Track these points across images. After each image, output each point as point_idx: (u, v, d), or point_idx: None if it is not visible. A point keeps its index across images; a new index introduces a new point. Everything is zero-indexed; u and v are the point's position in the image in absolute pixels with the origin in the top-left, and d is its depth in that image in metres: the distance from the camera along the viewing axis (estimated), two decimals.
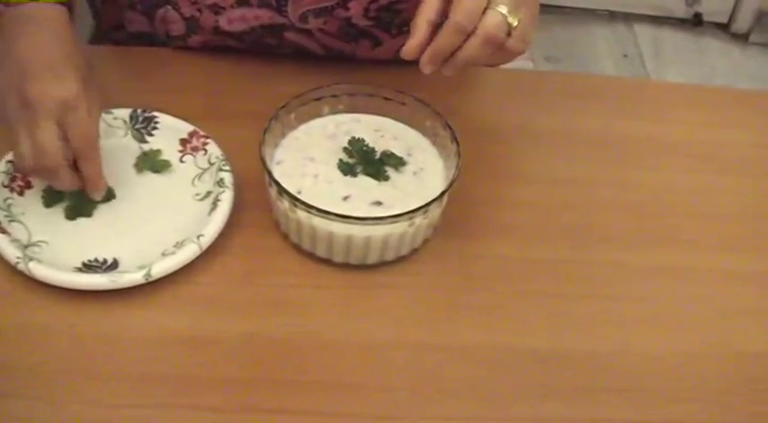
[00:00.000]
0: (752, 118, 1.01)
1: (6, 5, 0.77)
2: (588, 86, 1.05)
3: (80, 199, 0.80)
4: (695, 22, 2.58)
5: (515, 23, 0.73)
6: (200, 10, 0.92)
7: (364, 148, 0.81)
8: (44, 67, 0.74)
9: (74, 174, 0.76)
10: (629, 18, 2.60)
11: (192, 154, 0.85)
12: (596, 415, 0.72)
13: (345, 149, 0.82)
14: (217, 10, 0.91)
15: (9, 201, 0.79)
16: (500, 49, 0.75)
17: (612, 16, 2.61)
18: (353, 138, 0.82)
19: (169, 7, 0.93)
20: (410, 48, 0.74)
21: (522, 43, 0.75)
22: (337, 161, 0.81)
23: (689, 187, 0.92)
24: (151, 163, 0.84)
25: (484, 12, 0.72)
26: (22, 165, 0.75)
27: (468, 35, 0.73)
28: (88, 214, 0.80)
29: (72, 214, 0.80)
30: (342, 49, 0.96)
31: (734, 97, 1.07)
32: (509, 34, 0.73)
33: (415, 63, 0.75)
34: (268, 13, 0.91)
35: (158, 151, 0.84)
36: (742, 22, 2.56)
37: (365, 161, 0.81)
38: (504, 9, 0.72)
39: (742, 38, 2.58)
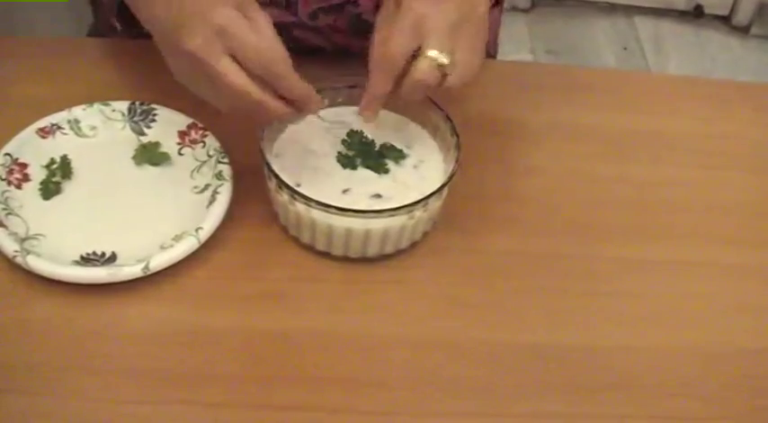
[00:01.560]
0: (753, 111, 1.01)
1: None
2: (589, 79, 1.05)
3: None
4: (696, 15, 2.58)
5: (448, 62, 0.73)
6: None
7: (363, 140, 0.81)
8: (190, 12, 0.67)
9: (278, 100, 0.70)
10: (629, 11, 2.59)
11: (190, 146, 0.84)
12: (596, 411, 0.72)
13: (344, 141, 0.81)
14: None
15: (6, 194, 0.79)
16: (440, 88, 0.75)
17: (613, 9, 2.60)
18: (352, 130, 0.82)
19: None
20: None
21: (462, 79, 0.75)
22: (336, 154, 0.81)
23: (690, 181, 0.91)
24: (149, 155, 0.83)
25: (416, 57, 0.73)
26: (229, 111, 0.71)
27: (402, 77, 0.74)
28: (57, 191, 0.80)
29: (47, 194, 0.80)
30: (350, 46, 0.96)
31: (735, 90, 1.07)
32: (445, 75, 0.74)
33: None
34: (277, 11, 0.90)
35: (157, 143, 0.84)
36: (743, 15, 2.55)
37: (364, 153, 0.80)
38: (434, 53, 0.73)
39: (743, 30, 2.57)
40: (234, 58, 0.68)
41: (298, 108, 0.73)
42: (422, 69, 0.73)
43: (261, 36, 0.68)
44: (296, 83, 0.70)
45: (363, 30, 0.93)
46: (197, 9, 0.67)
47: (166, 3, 0.70)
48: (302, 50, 0.95)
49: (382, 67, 0.75)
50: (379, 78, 0.75)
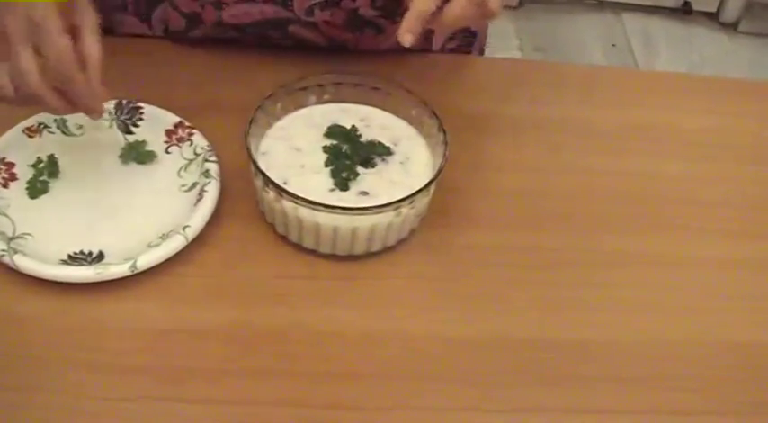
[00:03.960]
0: (741, 106, 1.01)
1: None
2: (577, 76, 1.05)
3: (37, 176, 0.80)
4: (684, 11, 2.58)
5: None
6: (202, 6, 0.91)
7: (342, 131, 0.81)
8: None
9: (61, 98, 0.73)
10: (617, 7, 2.60)
11: (177, 145, 0.84)
12: (591, 405, 0.72)
13: (326, 135, 0.82)
14: (220, 6, 0.90)
15: None
16: (481, 9, 0.73)
17: (601, 6, 2.61)
18: (333, 124, 0.82)
19: (167, 5, 0.92)
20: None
21: (500, 3, 0.74)
22: (322, 147, 0.81)
23: (677, 175, 0.92)
24: (136, 154, 0.83)
25: None
26: (3, 96, 0.73)
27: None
28: (44, 190, 0.80)
29: (34, 193, 0.80)
30: (345, 41, 0.96)
31: (723, 86, 1.07)
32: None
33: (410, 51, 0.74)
34: (273, 7, 0.90)
35: (143, 142, 0.84)
36: (731, 11, 2.56)
37: (347, 141, 0.81)
38: None
39: (731, 27, 2.58)
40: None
41: (79, 109, 0.74)
42: None
43: (64, 39, 0.70)
44: (83, 89, 0.72)
45: (359, 25, 0.93)
46: None
47: None
48: (297, 47, 0.96)
49: None
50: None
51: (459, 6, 0.72)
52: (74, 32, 0.72)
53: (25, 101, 0.73)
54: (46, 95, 0.72)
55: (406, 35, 0.73)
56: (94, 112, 0.75)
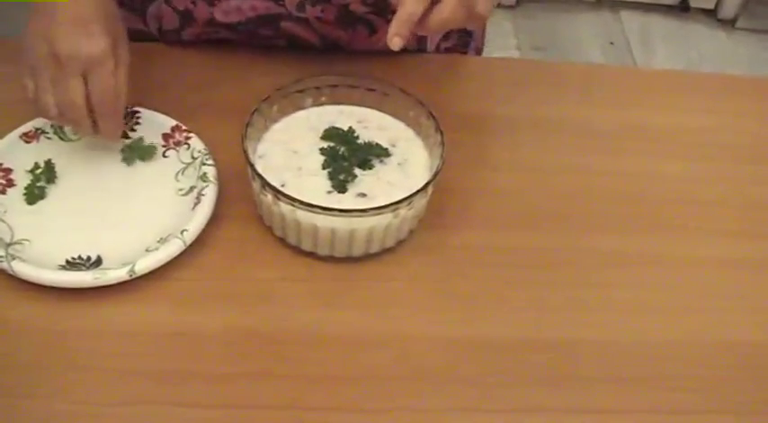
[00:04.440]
0: (739, 103, 1.01)
1: None
2: (575, 75, 1.05)
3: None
4: (682, 9, 2.58)
5: None
6: (194, 2, 0.91)
7: (339, 133, 0.81)
8: (75, 21, 0.76)
9: (94, 125, 0.79)
10: (615, 5, 2.60)
11: (174, 148, 0.84)
12: (589, 405, 0.72)
13: (323, 138, 0.82)
14: (211, 2, 0.91)
15: None
16: (469, 12, 0.73)
17: (599, 4, 2.61)
18: (330, 127, 0.82)
19: (162, 2, 0.92)
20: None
21: (489, 7, 0.74)
22: (319, 150, 0.81)
23: (676, 174, 0.92)
24: (138, 152, 0.83)
25: None
26: (46, 114, 0.78)
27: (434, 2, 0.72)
28: (42, 196, 0.81)
29: (31, 199, 0.80)
30: (338, 38, 0.96)
31: (721, 83, 1.07)
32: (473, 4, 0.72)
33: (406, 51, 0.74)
34: (265, 3, 0.90)
35: (140, 138, 0.84)
36: (729, 8, 2.56)
37: (345, 142, 0.81)
38: None
39: (729, 24, 2.58)
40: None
41: (102, 136, 0.80)
42: None
43: (115, 78, 0.77)
44: (112, 125, 0.80)
45: (351, 21, 0.93)
46: (82, 25, 0.76)
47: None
48: (290, 45, 0.95)
49: None
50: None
51: (447, 9, 0.72)
52: None
53: (65, 122, 0.80)
54: (84, 123, 0.78)
55: (395, 39, 0.73)
56: (115, 138, 0.82)
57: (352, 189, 0.78)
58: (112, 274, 0.73)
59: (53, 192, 0.81)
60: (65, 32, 0.75)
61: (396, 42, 0.73)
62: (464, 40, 1.03)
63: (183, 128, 0.84)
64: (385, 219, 0.75)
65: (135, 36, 0.98)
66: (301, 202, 0.73)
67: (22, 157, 0.82)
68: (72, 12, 0.76)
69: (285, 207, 0.75)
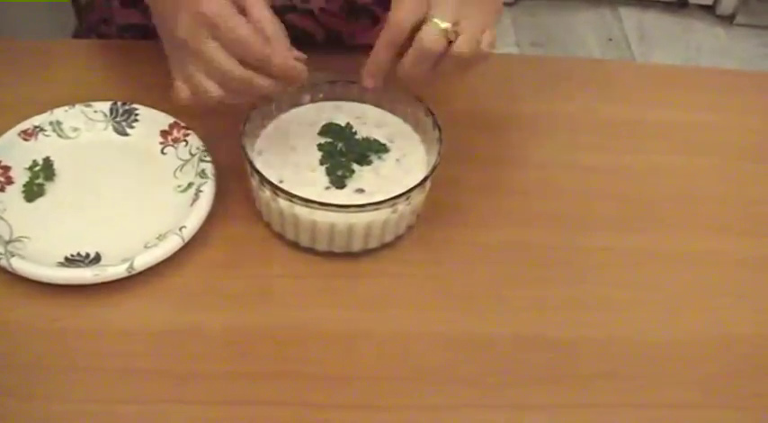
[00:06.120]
0: (738, 99, 1.01)
1: None
2: (573, 70, 1.05)
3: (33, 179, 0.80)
4: (680, 5, 2.58)
5: (451, 28, 0.71)
6: None
7: (337, 129, 0.81)
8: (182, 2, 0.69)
9: (263, 77, 0.71)
10: (613, 2, 2.60)
11: (173, 145, 0.84)
12: (587, 401, 0.72)
13: (320, 134, 0.82)
14: None
15: None
16: (449, 59, 0.73)
17: (597, 0, 2.60)
18: (328, 122, 0.82)
19: None
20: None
21: (470, 44, 0.72)
22: (317, 146, 0.81)
23: (676, 170, 0.92)
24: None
25: (420, 26, 0.72)
26: (210, 98, 0.72)
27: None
28: (41, 193, 0.80)
29: (30, 196, 0.80)
30: (342, 31, 0.96)
31: (720, 79, 1.07)
32: (451, 42, 0.72)
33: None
34: None
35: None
36: (727, 4, 2.56)
37: (343, 138, 0.81)
38: (438, 18, 0.71)
39: (727, 19, 2.58)
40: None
41: (283, 81, 0.72)
42: (425, 32, 0.72)
43: (243, 26, 0.69)
44: (277, 62, 0.70)
45: (355, 14, 0.94)
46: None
47: None
48: (294, 37, 0.96)
49: (386, 33, 0.74)
50: (381, 45, 0.74)
51: (408, 64, 0.73)
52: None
53: (237, 94, 0.72)
54: (253, 78, 0.70)
55: (368, 81, 0.75)
56: (297, 80, 0.73)
57: (351, 185, 0.78)
58: (111, 270, 0.73)
59: (52, 189, 0.81)
60: (176, 17, 0.70)
61: (368, 84, 0.77)
62: None
63: (182, 125, 0.84)
64: (383, 214, 0.75)
65: (138, 31, 0.99)
66: (299, 198, 0.73)
67: (20, 155, 0.82)
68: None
69: (283, 203, 0.75)
